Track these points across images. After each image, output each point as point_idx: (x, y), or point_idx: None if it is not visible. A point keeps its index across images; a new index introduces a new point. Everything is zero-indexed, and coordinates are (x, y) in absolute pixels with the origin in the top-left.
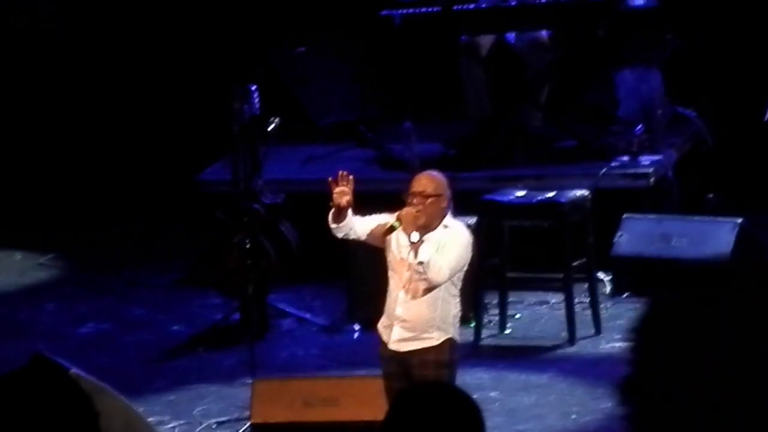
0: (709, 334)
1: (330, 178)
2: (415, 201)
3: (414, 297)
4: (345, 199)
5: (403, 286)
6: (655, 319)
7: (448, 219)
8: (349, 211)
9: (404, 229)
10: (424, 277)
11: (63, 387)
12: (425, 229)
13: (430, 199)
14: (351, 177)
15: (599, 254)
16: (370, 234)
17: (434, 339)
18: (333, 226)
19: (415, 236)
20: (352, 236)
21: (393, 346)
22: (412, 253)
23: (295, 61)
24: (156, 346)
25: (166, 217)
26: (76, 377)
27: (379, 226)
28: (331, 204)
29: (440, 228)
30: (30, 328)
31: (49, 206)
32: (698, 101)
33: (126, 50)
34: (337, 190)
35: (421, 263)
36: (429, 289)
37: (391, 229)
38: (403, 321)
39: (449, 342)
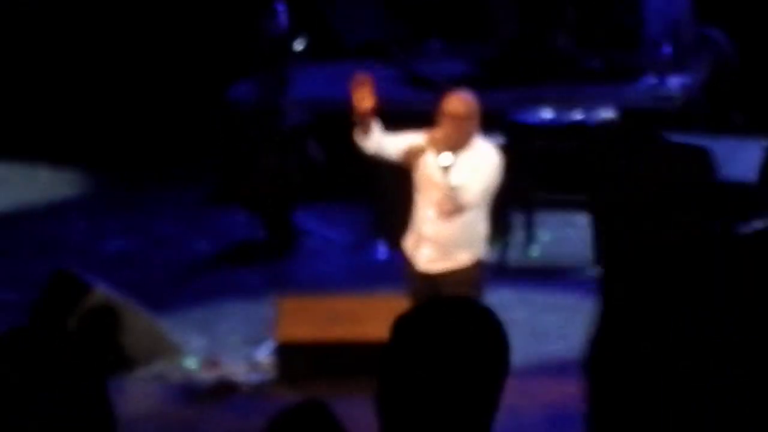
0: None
1: (351, 83)
2: (445, 122)
3: (445, 218)
4: (366, 104)
5: (434, 207)
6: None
7: (478, 140)
8: (377, 127)
9: (435, 151)
10: (456, 200)
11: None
12: (455, 150)
13: (460, 121)
14: (369, 79)
15: None
16: (400, 153)
17: (464, 259)
18: (360, 140)
19: (446, 159)
20: (381, 153)
21: (423, 265)
22: (443, 176)
23: None
24: (182, 262)
25: (193, 134)
26: (103, 294)
27: (409, 146)
28: (355, 113)
29: (470, 149)
30: (57, 243)
31: (76, 122)
32: (725, 22)
33: None
34: (357, 94)
35: (454, 186)
36: (456, 211)
37: (422, 150)
38: (433, 241)
39: (478, 262)
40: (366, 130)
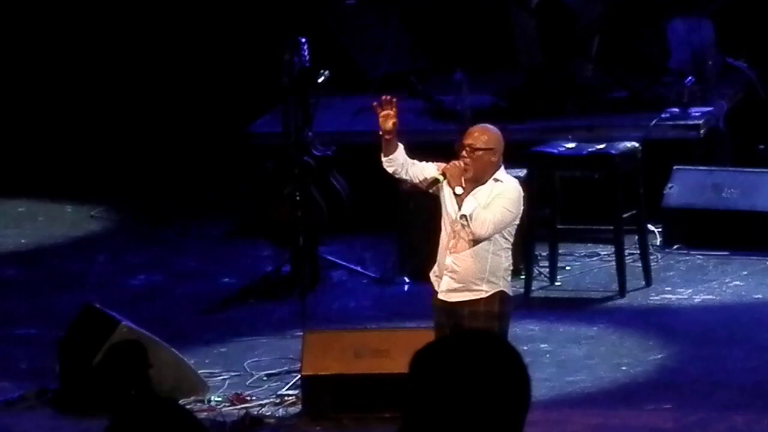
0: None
1: (374, 103)
2: (464, 153)
3: (460, 249)
4: (390, 123)
5: (451, 238)
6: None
7: (500, 173)
8: (401, 148)
9: (449, 182)
10: (467, 230)
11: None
12: (474, 182)
13: (479, 152)
14: (395, 100)
15: (650, 206)
16: (421, 180)
17: (483, 291)
18: (384, 158)
19: (458, 189)
20: (404, 175)
21: (442, 296)
22: (457, 206)
23: (346, 13)
24: (207, 297)
25: (218, 168)
26: (128, 330)
27: (432, 174)
28: (379, 132)
29: (490, 181)
30: (82, 280)
31: (100, 158)
32: (749, 52)
33: (180, 3)
34: (382, 113)
35: (463, 216)
36: (474, 242)
37: (435, 181)
38: (452, 272)
39: (500, 294)
40: (390, 150)
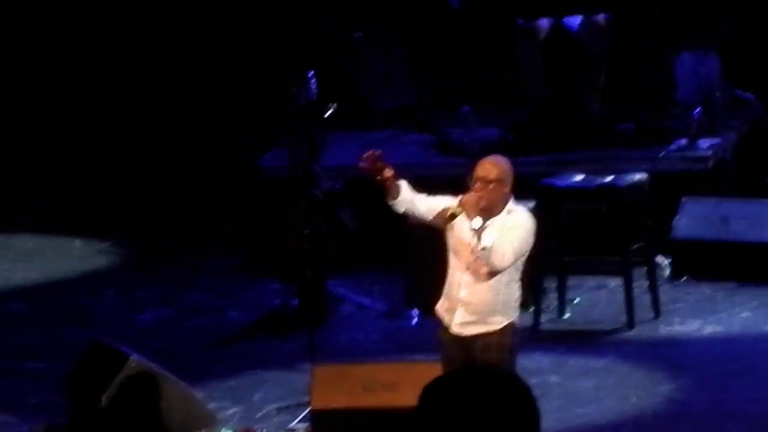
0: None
1: (359, 165)
2: (477, 186)
3: (477, 281)
4: (383, 174)
5: (467, 270)
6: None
7: (512, 204)
8: (405, 186)
9: (466, 215)
10: (487, 262)
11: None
12: (488, 213)
13: (492, 184)
14: (377, 152)
15: (658, 237)
16: (433, 214)
17: (497, 323)
18: (391, 203)
19: (477, 222)
20: (415, 213)
21: (456, 329)
22: (475, 238)
23: (353, 47)
24: (215, 332)
25: (225, 203)
26: (137, 364)
27: (442, 208)
28: (377, 183)
29: (503, 213)
30: (90, 314)
31: (108, 193)
32: (757, 84)
33: (186, 35)
34: (372, 169)
35: (484, 248)
36: (492, 274)
37: (453, 216)
38: (466, 304)
39: (511, 326)
40: (394, 194)
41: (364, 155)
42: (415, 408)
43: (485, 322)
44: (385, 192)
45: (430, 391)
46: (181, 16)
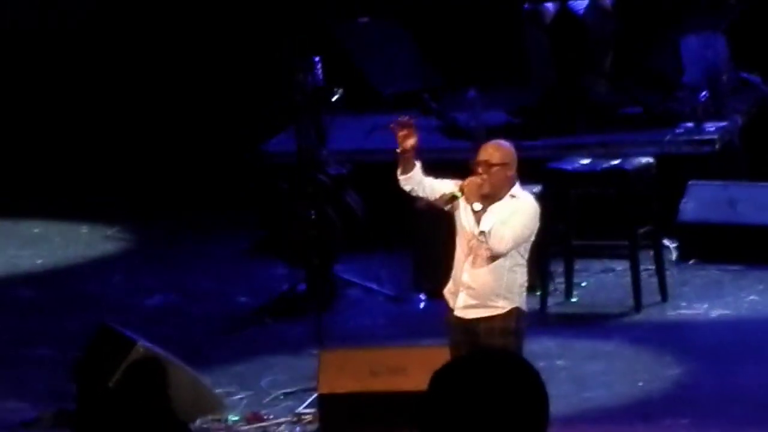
0: None
1: (392, 125)
2: (480, 170)
3: (478, 265)
4: (409, 142)
5: (468, 254)
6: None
7: (516, 189)
8: (418, 166)
9: (467, 199)
10: (486, 246)
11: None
12: (490, 198)
13: (495, 168)
14: (412, 120)
15: (665, 221)
16: (438, 196)
17: (500, 307)
18: (401, 177)
19: (477, 205)
20: (420, 192)
21: (459, 312)
22: (475, 223)
23: (358, 31)
24: (223, 317)
25: (231, 187)
26: (145, 349)
27: (447, 191)
28: (397, 150)
29: (507, 197)
30: (97, 300)
31: (114, 178)
32: (763, 66)
33: (192, 21)
34: (401, 134)
35: (482, 232)
36: (492, 258)
37: (453, 198)
38: (469, 288)
39: (516, 311)
40: (408, 169)
41: (399, 118)
42: (424, 393)
43: (486, 306)
44: (399, 163)
45: (439, 376)
46: (186, 3)
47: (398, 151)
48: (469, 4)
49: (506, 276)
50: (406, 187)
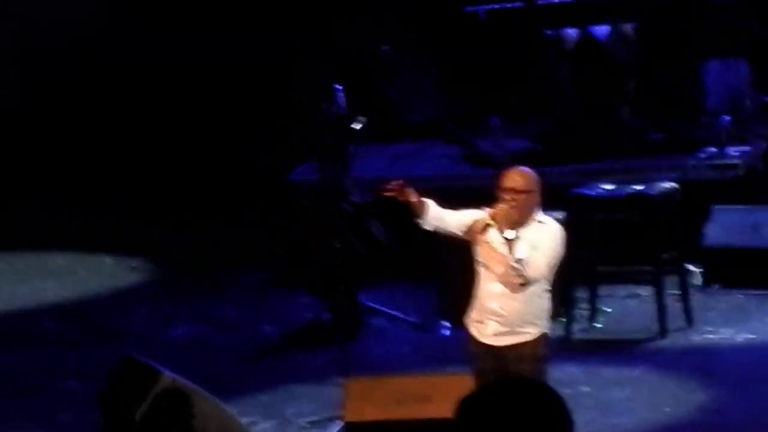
0: None
1: (383, 192)
2: (506, 197)
3: (510, 292)
4: (406, 197)
5: (499, 281)
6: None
7: (541, 214)
8: (432, 205)
9: (497, 227)
10: (521, 273)
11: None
12: (518, 224)
13: (521, 195)
14: (401, 182)
15: (689, 246)
16: (462, 228)
17: (530, 333)
18: (420, 221)
19: (510, 233)
20: (443, 229)
21: (488, 340)
22: (508, 250)
23: (381, 60)
24: (248, 347)
25: (257, 217)
26: (170, 380)
27: (471, 221)
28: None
29: (533, 223)
30: (123, 331)
31: (138, 209)
32: None
33: (219, 52)
34: (393, 195)
35: (519, 260)
36: (525, 285)
37: (487, 226)
38: (499, 316)
39: (543, 336)
40: (421, 212)
41: (390, 185)
42: (452, 420)
43: (518, 333)
44: (411, 212)
45: (466, 403)
46: (210, 30)
47: (403, 203)
48: (491, 31)
49: (535, 302)
50: (428, 228)
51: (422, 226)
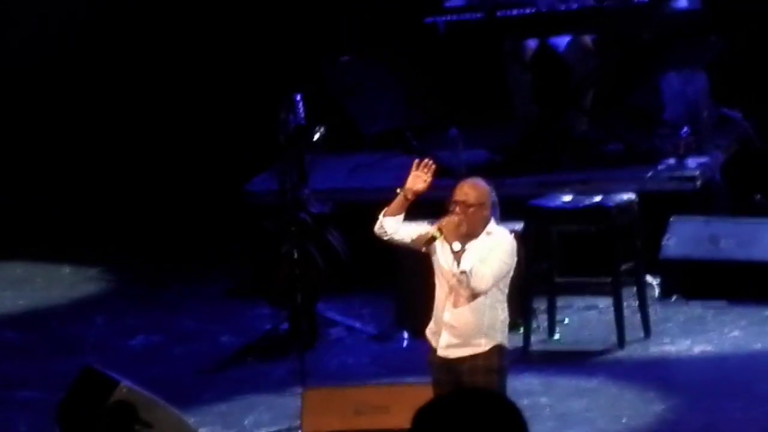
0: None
1: (415, 160)
2: (457, 209)
3: (459, 304)
4: (420, 187)
5: (449, 293)
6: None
7: (491, 225)
8: (401, 215)
9: (446, 239)
10: (466, 285)
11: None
12: (468, 237)
13: (471, 208)
14: (433, 167)
15: (647, 257)
16: (414, 239)
17: (482, 345)
18: (385, 219)
19: (456, 245)
20: (395, 238)
21: (442, 352)
22: (455, 262)
23: (341, 70)
24: (206, 357)
25: (214, 228)
26: (127, 390)
27: (423, 233)
28: (398, 190)
29: (483, 235)
30: (81, 341)
31: (96, 219)
32: (744, 102)
33: (174, 61)
34: (415, 172)
35: (463, 272)
36: (473, 296)
37: (432, 239)
38: (451, 327)
39: (498, 348)
40: (397, 212)
41: (423, 161)
42: (408, 430)
43: (470, 345)
44: (393, 204)
45: (422, 414)
46: (168, 42)
47: (401, 191)
48: (450, 43)
49: (487, 313)
50: (383, 233)
51: (380, 230)
